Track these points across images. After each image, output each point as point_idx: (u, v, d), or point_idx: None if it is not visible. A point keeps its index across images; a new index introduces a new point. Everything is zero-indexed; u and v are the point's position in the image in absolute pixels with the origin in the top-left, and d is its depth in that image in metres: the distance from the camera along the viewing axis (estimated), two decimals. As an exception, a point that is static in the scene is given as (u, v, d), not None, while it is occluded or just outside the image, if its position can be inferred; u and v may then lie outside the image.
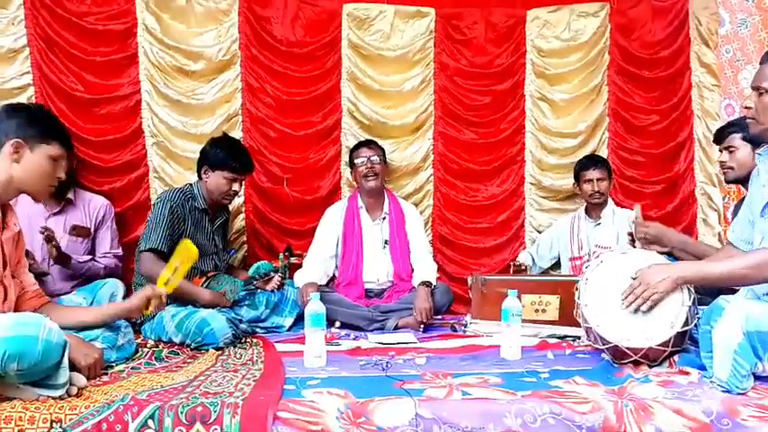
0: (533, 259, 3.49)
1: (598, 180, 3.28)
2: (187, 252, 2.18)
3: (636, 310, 2.01)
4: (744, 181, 2.68)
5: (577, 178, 3.40)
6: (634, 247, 2.50)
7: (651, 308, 2.00)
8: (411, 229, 3.29)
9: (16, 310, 1.96)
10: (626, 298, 2.03)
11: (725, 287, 2.30)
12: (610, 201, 3.40)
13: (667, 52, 3.59)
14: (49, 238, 2.65)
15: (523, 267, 3.31)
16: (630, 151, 3.62)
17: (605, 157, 3.56)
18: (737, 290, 2.15)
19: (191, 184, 2.91)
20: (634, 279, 2.04)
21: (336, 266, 3.26)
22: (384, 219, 3.28)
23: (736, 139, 2.62)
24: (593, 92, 3.59)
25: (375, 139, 3.38)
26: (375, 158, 3.21)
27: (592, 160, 3.39)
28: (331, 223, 3.25)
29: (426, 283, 3.03)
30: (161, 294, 2.15)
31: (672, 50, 3.59)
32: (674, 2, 3.58)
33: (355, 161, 3.25)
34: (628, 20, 3.60)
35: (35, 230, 2.69)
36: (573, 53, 3.59)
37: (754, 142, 2.49)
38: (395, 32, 3.49)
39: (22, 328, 1.57)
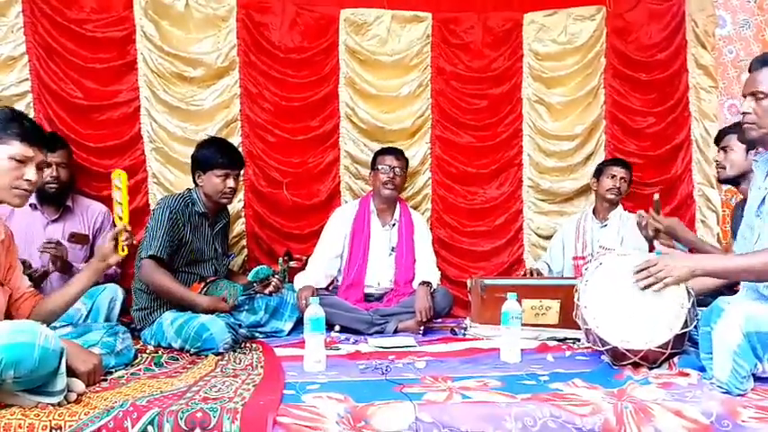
0: (549, 267, 3.47)
1: (621, 178, 3.30)
2: (119, 178, 2.12)
3: (646, 287, 2.00)
4: (735, 181, 2.71)
5: (599, 173, 3.38)
6: (645, 232, 2.51)
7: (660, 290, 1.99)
8: (418, 239, 3.30)
9: (14, 315, 1.96)
10: (639, 272, 2.01)
11: (734, 283, 2.30)
12: (619, 205, 3.40)
13: (664, 55, 3.60)
14: (47, 250, 2.63)
15: (533, 272, 3.29)
16: (628, 153, 3.62)
17: (602, 159, 3.58)
18: (737, 290, 2.16)
19: (189, 190, 2.90)
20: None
21: (340, 269, 3.26)
22: (394, 225, 3.29)
23: (732, 139, 2.65)
24: (589, 95, 3.60)
25: (372, 143, 3.41)
26: (398, 170, 3.22)
27: (620, 159, 3.43)
28: (340, 223, 3.26)
29: (425, 283, 3.03)
30: (122, 229, 2.09)
31: (669, 53, 3.60)
32: (671, 4, 3.59)
33: (378, 166, 3.24)
34: (624, 23, 3.61)
35: (34, 239, 2.70)
36: (569, 56, 3.60)
37: (750, 145, 2.52)
38: (392, 37, 3.50)
39: (18, 335, 1.57)
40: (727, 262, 2.01)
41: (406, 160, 3.33)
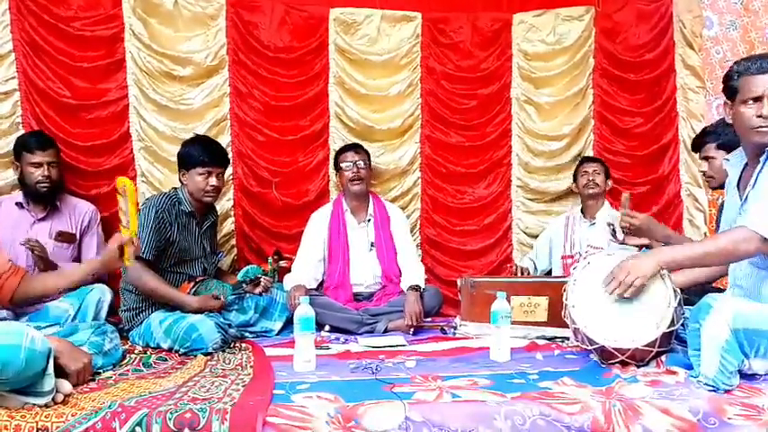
0: (534, 265, 3.50)
1: (594, 171, 3.37)
2: (124, 187, 2.06)
3: (620, 296, 1.99)
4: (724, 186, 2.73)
5: (575, 177, 3.47)
6: (615, 237, 2.52)
7: (637, 294, 1.98)
8: (396, 231, 3.30)
9: None
10: (608, 285, 2.01)
11: (706, 268, 2.31)
12: (606, 203, 3.43)
13: (652, 55, 3.63)
14: (33, 248, 2.61)
15: (523, 272, 3.32)
16: (615, 153, 3.65)
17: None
18: (724, 288, 2.18)
19: (175, 189, 2.89)
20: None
21: (324, 271, 3.25)
22: (369, 221, 3.29)
23: (711, 149, 2.68)
24: (578, 95, 3.62)
25: (361, 143, 3.39)
26: (361, 163, 3.22)
27: (590, 157, 3.51)
28: (317, 228, 3.25)
29: (415, 287, 3.03)
30: (128, 240, 2.07)
31: (656, 53, 3.63)
32: (659, 5, 3.62)
33: (341, 165, 3.25)
34: (612, 23, 3.64)
35: (20, 237, 2.67)
36: (558, 56, 3.62)
37: (727, 148, 2.54)
38: (382, 37, 3.50)
39: (4, 337, 1.56)
40: (686, 249, 2.02)
41: (367, 153, 3.32)
